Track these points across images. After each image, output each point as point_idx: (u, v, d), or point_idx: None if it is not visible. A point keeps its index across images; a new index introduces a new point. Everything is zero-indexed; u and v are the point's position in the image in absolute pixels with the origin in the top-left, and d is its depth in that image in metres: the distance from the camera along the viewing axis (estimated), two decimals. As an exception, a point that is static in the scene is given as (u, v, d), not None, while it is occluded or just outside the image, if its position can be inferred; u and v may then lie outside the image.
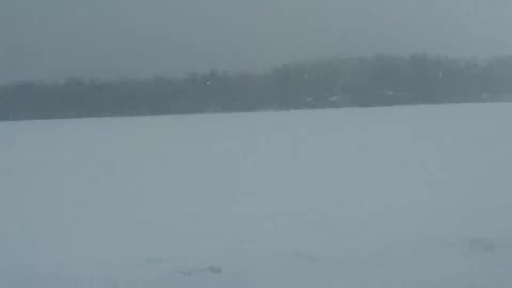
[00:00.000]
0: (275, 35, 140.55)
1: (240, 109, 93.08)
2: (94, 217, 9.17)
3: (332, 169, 14.51)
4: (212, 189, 11.74)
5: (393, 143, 21.74)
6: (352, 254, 6.47)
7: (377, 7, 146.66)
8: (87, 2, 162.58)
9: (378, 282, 5.63)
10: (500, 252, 6.46)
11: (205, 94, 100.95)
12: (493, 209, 8.40)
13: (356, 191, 10.79)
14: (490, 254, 6.43)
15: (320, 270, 6.05)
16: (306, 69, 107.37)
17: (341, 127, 35.16)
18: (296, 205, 9.53)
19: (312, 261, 6.38)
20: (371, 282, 5.64)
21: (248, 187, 11.69)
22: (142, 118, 79.01)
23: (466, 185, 10.87)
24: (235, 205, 9.75)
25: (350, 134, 28.22)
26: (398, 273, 5.84)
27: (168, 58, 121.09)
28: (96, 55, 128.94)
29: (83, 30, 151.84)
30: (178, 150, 22.98)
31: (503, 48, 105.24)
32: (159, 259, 6.62)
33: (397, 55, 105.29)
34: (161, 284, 5.88)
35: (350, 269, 6.02)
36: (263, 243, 7.07)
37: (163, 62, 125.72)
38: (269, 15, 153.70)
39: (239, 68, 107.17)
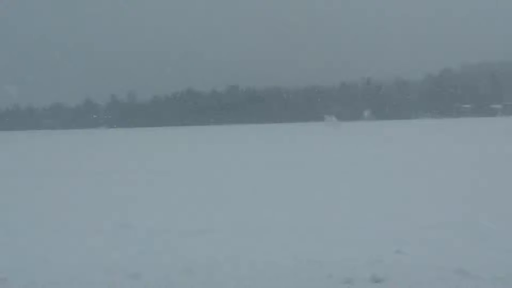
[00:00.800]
0: (430, 40, 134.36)
1: (394, 117, 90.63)
2: (265, 217, 9.64)
3: (491, 180, 13.75)
4: (368, 196, 11.71)
5: None
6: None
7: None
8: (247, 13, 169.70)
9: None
10: None
11: (358, 102, 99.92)
12: None
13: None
14: None
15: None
16: (463, 74, 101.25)
17: (500, 137, 32.54)
18: (450, 216, 9.24)
19: (465, 276, 6.22)
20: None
21: (402, 196, 11.54)
22: (294, 124, 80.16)
23: None
24: (390, 214, 9.64)
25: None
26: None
27: (320, 66, 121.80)
28: (251, 64, 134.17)
29: (241, 40, 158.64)
30: (332, 154, 23.02)
31: None
32: (320, 262, 6.82)
33: None
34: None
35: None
36: (418, 255, 7.00)
37: (316, 70, 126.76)
38: (422, 19, 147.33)
39: (393, 75, 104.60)
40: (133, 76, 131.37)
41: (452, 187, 12.64)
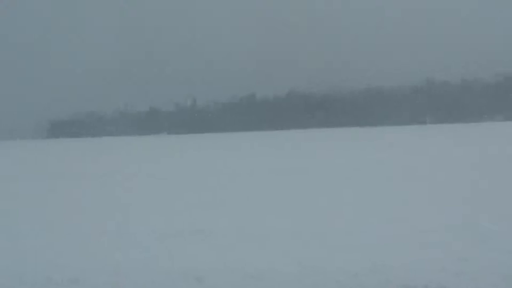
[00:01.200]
0: (499, 37, 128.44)
1: (460, 120, 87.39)
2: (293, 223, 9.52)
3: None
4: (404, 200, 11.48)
5: None
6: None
7: None
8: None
9: None
10: None
11: (420, 104, 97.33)
12: None
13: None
14: None
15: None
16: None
17: None
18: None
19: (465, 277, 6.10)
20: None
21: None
22: (354, 129, 79.27)
23: None
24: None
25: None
26: None
27: (380, 67, 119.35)
28: (311, 69, 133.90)
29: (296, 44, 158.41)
30: (382, 160, 22.43)
31: None
32: (324, 268, 6.76)
33: None
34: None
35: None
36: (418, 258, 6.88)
37: (381, 71, 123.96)
38: (492, 15, 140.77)
39: (459, 76, 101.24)
40: (195, 81, 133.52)
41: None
